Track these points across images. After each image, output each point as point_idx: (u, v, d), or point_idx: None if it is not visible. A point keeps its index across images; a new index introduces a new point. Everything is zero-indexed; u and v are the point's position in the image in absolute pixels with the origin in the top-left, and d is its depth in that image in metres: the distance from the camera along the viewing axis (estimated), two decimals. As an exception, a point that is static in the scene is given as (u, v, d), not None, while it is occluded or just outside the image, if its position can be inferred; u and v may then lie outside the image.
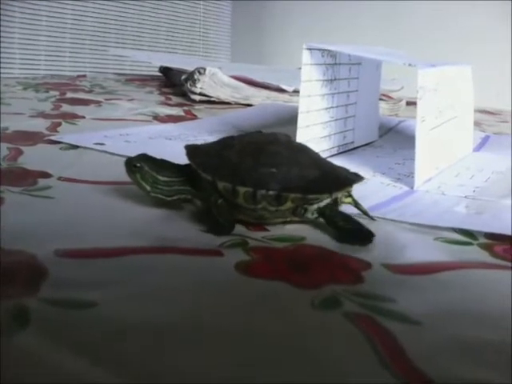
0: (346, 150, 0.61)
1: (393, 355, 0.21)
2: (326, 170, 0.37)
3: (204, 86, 0.91)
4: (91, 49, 1.94)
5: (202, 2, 2.33)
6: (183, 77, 0.99)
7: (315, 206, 0.35)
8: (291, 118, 0.68)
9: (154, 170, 0.36)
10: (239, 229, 0.34)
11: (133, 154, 0.37)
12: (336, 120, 0.60)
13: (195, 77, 0.92)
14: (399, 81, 1.13)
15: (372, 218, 0.38)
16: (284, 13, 2.31)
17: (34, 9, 1.79)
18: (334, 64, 0.59)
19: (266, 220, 0.35)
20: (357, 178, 0.38)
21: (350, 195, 0.37)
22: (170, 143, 0.59)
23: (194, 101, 0.91)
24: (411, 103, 0.94)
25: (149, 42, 2.11)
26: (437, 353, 0.22)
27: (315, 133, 0.57)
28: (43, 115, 0.70)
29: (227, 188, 0.34)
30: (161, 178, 0.36)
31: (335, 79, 0.60)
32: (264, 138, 0.38)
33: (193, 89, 0.92)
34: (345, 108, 0.62)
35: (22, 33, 1.77)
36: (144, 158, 0.37)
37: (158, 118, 0.75)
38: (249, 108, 0.90)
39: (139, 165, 0.36)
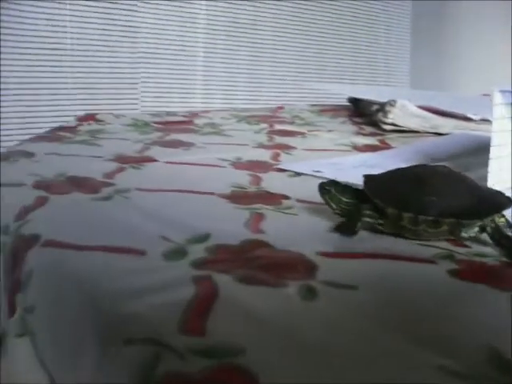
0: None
1: None
2: (479, 198, 0.44)
3: (395, 117, 1.01)
4: (280, 83, 2.13)
5: (383, 31, 2.43)
6: (375, 108, 1.09)
7: (475, 228, 0.43)
8: (480, 148, 0.75)
9: (339, 193, 0.47)
10: (445, 244, 0.44)
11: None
12: (526, 151, 0.66)
13: (387, 108, 1.02)
14: None
15: None
16: (464, 38, 2.30)
17: (234, 45, 2.02)
18: (524, 102, 0.65)
19: (426, 238, 0.44)
20: (508, 204, 0.44)
21: (503, 216, 0.43)
22: (372, 171, 0.70)
23: (385, 130, 1.01)
24: None
25: (333, 72, 2.26)
26: None
27: (507, 164, 0.64)
28: (263, 146, 0.85)
29: (394, 213, 0.43)
30: (344, 199, 0.47)
31: (526, 115, 0.66)
32: (426, 171, 0.47)
33: (384, 119, 1.02)
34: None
35: (224, 67, 2.01)
36: (332, 182, 0.48)
37: (356, 148, 0.86)
38: (440, 137, 0.97)
39: (328, 188, 0.47)
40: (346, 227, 0.44)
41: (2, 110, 1.58)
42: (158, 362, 0.26)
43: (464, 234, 0.43)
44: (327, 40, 2.27)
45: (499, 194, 0.46)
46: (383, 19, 2.44)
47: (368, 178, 0.48)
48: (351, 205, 0.46)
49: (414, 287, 0.36)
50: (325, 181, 0.48)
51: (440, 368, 0.26)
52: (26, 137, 0.98)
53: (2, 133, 1.57)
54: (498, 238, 0.43)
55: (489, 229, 0.43)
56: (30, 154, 0.72)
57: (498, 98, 0.62)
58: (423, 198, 0.43)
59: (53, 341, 0.34)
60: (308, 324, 0.30)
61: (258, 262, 0.38)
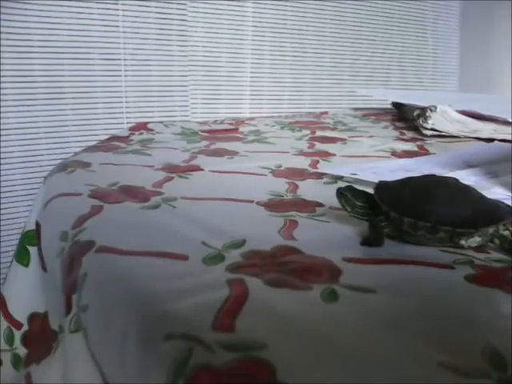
0: None
1: None
2: (479, 210, 0.46)
3: (435, 122, 1.03)
4: (327, 86, 2.15)
5: (430, 33, 2.42)
6: (416, 113, 1.11)
7: (476, 238, 0.45)
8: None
9: (354, 197, 0.50)
10: (467, 250, 0.46)
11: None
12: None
13: (427, 114, 1.04)
14: None
15: None
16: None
17: (280, 51, 2.06)
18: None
19: (426, 244, 0.46)
20: (508, 216, 0.46)
21: (507, 228, 0.46)
22: (409, 175, 0.72)
23: (425, 135, 1.03)
24: None
25: (381, 74, 2.26)
26: None
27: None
28: (303, 153, 0.88)
29: (395, 217, 0.47)
30: (358, 203, 0.50)
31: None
32: (433, 181, 0.50)
33: (425, 125, 1.04)
34: None
35: (271, 73, 2.05)
36: (349, 188, 0.51)
37: (395, 154, 0.89)
38: (477, 144, 0.98)
39: (345, 193, 0.51)
40: (372, 241, 0.47)
41: (62, 118, 1.68)
42: (190, 356, 0.30)
43: (463, 243, 0.45)
44: (375, 42, 2.27)
45: (504, 206, 0.48)
46: (431, 21, 2.43)
47: (379, 184, 0.51)
48: (364, 208, 0.50)
49: (429, 291, 0.39)
50: (342, 186, 0.52)
51: (440, 364, 0.30)
52: (84, 145, 1.05)
53: (63, 141, 1.66)
54: (510, 247, 0.45)
55: (496, 240, 0.45)
56: (86, 164, 0.78)
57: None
58: (425, 205, 0.46)
59: (102, 336, 0.39)
60: (327, 324, 0.34)
61: (287, 266, 0.42)
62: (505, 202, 0.55)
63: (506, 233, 0.46)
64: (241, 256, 0.44)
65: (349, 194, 0.51)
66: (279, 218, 0.54)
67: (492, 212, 0.47)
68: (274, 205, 0.59)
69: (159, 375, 0.31)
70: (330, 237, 0.50)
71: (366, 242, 0.47)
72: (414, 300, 0.38)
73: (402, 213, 0.46)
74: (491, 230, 0.45)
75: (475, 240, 0.45)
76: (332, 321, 0.35)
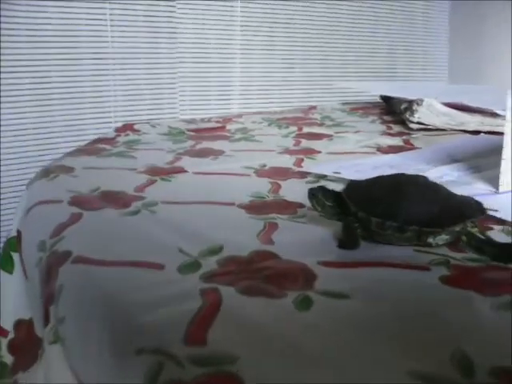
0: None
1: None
2: (447, 208, 0.46)
3: (421, 115, 1.02)
4: (316, 80, 2.14)
5: (419, 24, 2.41)
6: (403, 106, 1.11)
7: (443, 236, 0.45)
8: (497, 149, 0.76)
9: (325, 198, 0.50)
10: (444, 250, 0.46)
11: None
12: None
13: (413, 108, 1.04)
14: None
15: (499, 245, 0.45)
16: (503, 31, 2.26)
17: (269, 46, 2.06)
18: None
19: (395, 243, 0.46)
20: (476, 213, 0.46)
21: (475, 226, 0.46)
22: (392, 171, 0.72)
23: (411, 129, 1.03)
24: None
25: (370, 66, 2.26)
26: None
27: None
28: (288, 151, 0.88)
29: (363, 216, 0.46)
30: (328, 203, 0.50)
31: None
32: (403, 180, 0.50)
33: (411, 118, 1.03)
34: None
35: (260, 69, 2.04)
36: (320, 189, 0.51)
37: (380, 150, 0.88)
38: (462, 138, 0.98)
39: (316, 193, 0.51)
40: (346, 243, 0.47)
41: (50, 119, 1.67)
42: (160, 371, 0.30)
43: (431, 241, 0.45)
44: (363, 34, 2.26)
45: (473, 204, 0.48)
46: (421, 13, 2.42)
47: (349, 184, 0.51)
48: (333, 208, 0.50)
49: (402, 293, 0.39)
50: (314, 187, 0.52)
51: (409, 373, 0.29)
52: (73, 146, 1.05)
53: (51, 142, 1.65)
54: (477, 244, 0.45)
55: (464, 237, 0.45)
56: (69, 169, 0.77)
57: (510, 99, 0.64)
58: (393, 204, 0.46)
59: (80, 348, 0.39)
60: (299, 332, 0.34)
61: (262, 273, 0.42)
62: (486, 197, 0.55)
63: (475, 230, 0.46)
64: (217, 263, 0.44)
65: (319, 194, 0.51)
66: (259, 221, 0.54)
67: (459, 209, 0.46)
68: (255, 207, 0.59)
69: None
70: (308, 240, 0.50)
71: (342, 244, 0.47)
72: (387, 304, 0.37)
73: (369, 212, 0.46)
74: (458, 227, 0.45)
75: (443, 238, 0.45)
76: (304, 328, 0.34)
